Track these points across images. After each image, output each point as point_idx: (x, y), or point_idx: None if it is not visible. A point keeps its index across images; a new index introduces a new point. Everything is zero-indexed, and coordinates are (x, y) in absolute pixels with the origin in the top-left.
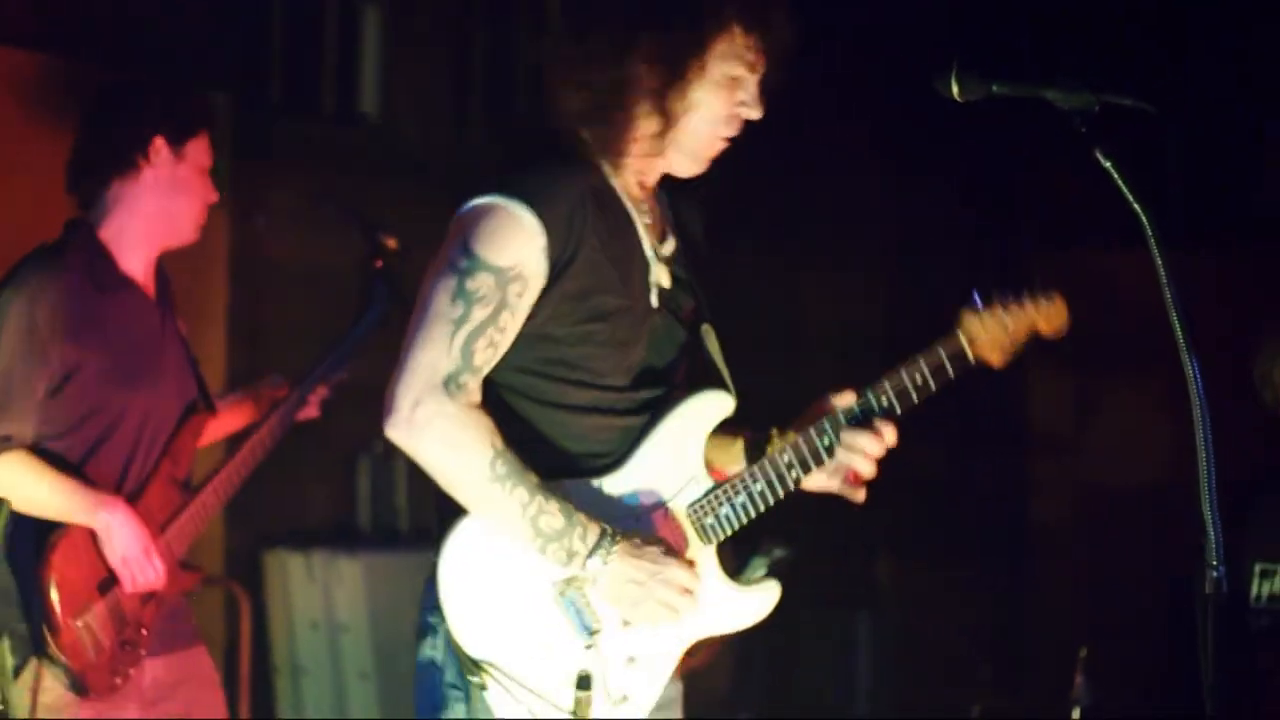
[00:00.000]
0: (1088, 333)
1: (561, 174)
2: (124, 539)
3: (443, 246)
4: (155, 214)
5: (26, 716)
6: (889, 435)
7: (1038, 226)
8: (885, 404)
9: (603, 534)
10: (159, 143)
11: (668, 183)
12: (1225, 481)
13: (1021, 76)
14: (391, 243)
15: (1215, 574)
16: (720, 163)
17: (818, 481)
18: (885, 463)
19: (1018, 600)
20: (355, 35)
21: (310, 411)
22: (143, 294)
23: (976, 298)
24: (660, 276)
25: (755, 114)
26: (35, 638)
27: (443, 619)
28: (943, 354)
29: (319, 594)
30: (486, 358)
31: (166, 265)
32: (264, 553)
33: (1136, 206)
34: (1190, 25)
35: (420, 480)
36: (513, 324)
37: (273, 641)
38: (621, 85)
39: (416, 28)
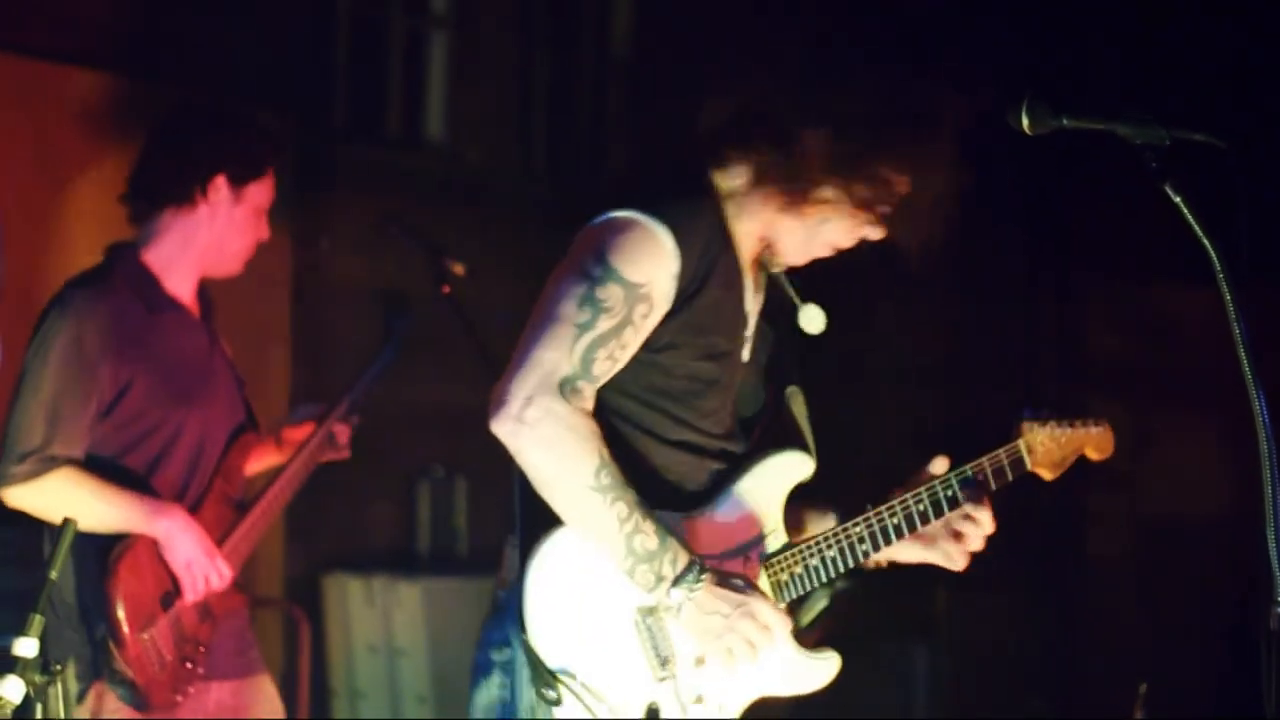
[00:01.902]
0: (1146, 366)
1: (700, 203)
2: (186, 543)
3: (573, 251)
4: (204, 249)
5: None
6: (983, 518)
7: (1096, 261)
8: (950, 493)
9: (692, 562)
10: (220, 181)
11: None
12: None
13: (1092, 110)
14: (458, 268)
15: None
16: None
17: (907, 554)
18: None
19: (1075, 633)
20: (421, 60)
21: (340, 454)
22: (189, 315)
23: (1030, 412)
24: (753, 333)
25: (875, 236)
26: (97, 658)
27: (510, 655)
28: (1005, 460)
29: (378, 618)
30: (605, 369)
31: (230, 288)
32: (323, 576)
33: (1205, 241)
34: (1260, 59)
35: (481, 505)
36: (634, 343)
37: (331, 665)
38: (788, 160)
39: (481, 53)
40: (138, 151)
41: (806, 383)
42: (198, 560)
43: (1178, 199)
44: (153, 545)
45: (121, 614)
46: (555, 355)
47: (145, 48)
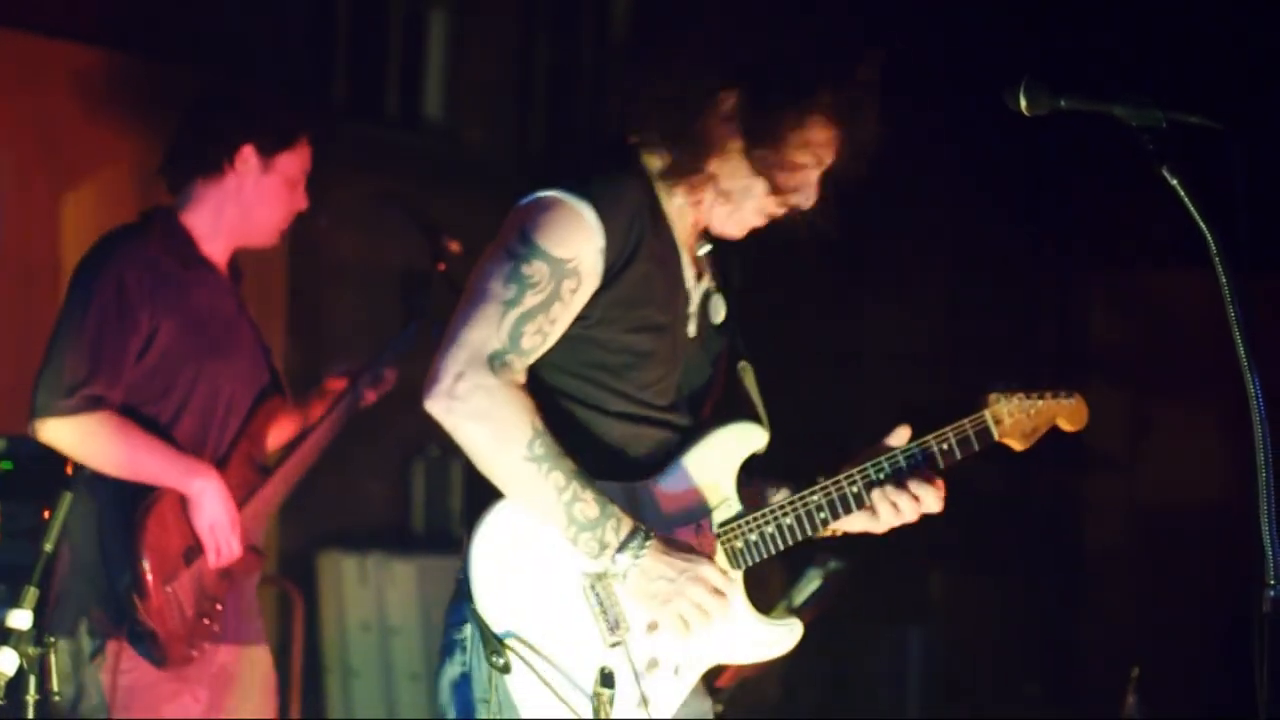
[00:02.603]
0: (1143, 353)
1: (625, 181)
2: (215, 507)
3: (500, 233)
4: (235, 216)
5: (104, 699)
6: (926, 496)
7: (1095, 247)
8: (912, 464)
9: (636, 529)
10: (247, 151)
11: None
12: None
13: (1090, 92)
14: (455, 246)
15: (1273, 593)
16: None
17: (855, 524)
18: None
19: (1070, 618)
20: (420, 40)
21: (366, 400)
22: (221, 277)
23: (998, 385)
24: (698, 309)
25: (806, 204)
26: (120, 610)
27: (467, 631)
28: (969, 430)
29: (372, 595)
30: (534, 343)
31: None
32: (318, 553)
33: (1202, 225)
34: (1259, 44)
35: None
36: (563, 318)
37: (324, 642)
38: (704, 130)
39: (481, 33)
40: (144, 130)
41: (757, 359)
42: (221, 524)
43: (1174, 182)
44: (178, 500)
45: (147, 565)
46: (484, 332)
47: (145, 26)
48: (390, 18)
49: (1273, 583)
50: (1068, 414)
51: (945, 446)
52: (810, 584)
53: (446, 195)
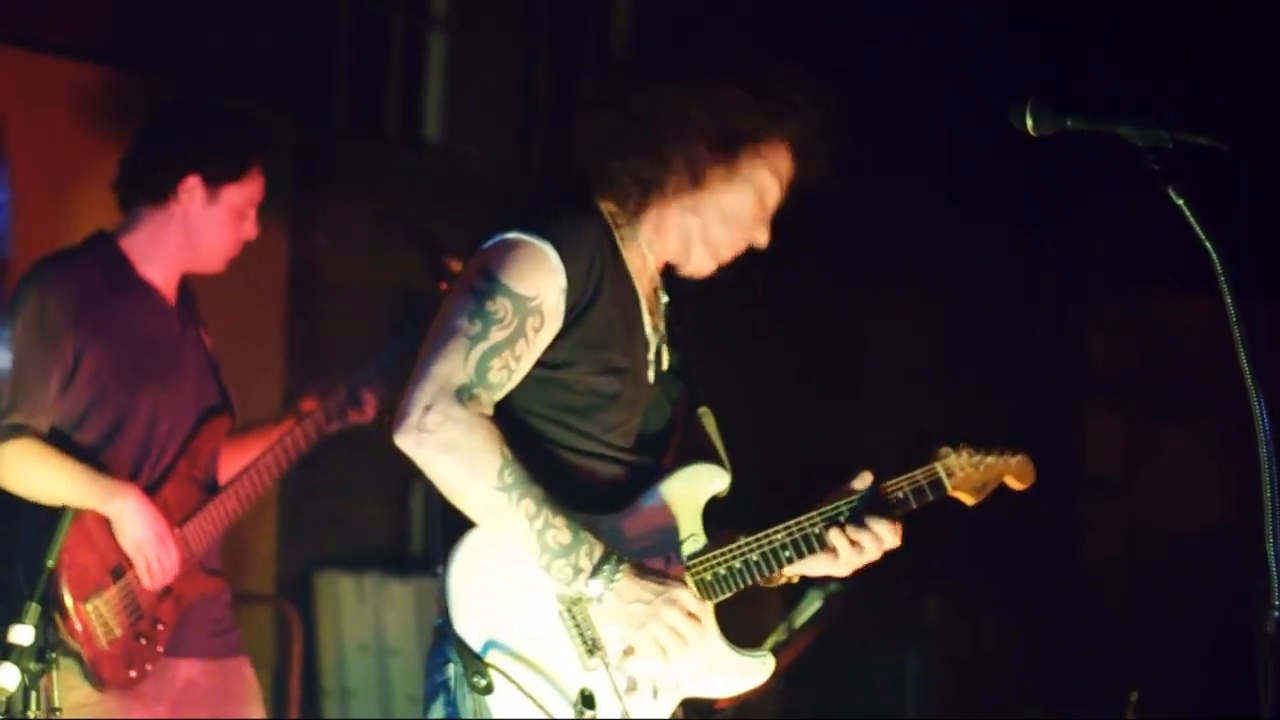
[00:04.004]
0: (1142, 375)
1: (586, 224)
2: (137, 526)
3: (463, 274)
4: (178, 244)
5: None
6: (885, 535)
7: (1096, 270)
8: (871, 508)
9: (608, 553)
10: (192, 181)
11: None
12: None
13: (1096, 112)
14: (456, 265)
15: (1277, 614)
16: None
17: (817, 567)
18: (936, 503)
19: (1068, 640)
20: (420, 59)
21: (345, 422)
22: (160, 299)
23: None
24: (656, 356)
25: (762, 241)
26: (46, 629)
27: (449, 671)
28: (923, 481)
29: (369, 616)
30: (500, 379)
31: (224, 283)
32: (315, 574)
33: (1208, 244)
34: (1266, 66)
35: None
36: (527, 356)
37: (321, 663)
38: (662, 163)
39: (481, 52)
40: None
41: (715, 403)
42: (147, 543)
43: (1180, 202)
44: (102, 519)
45: (63, 583)
46: (450, 366)
47: (146, 43)
48: (391, 36)
49: (1278, 603)
50: (1015, 471)
51: (900, 495)
52: (811, 605)
53: (446, 215)
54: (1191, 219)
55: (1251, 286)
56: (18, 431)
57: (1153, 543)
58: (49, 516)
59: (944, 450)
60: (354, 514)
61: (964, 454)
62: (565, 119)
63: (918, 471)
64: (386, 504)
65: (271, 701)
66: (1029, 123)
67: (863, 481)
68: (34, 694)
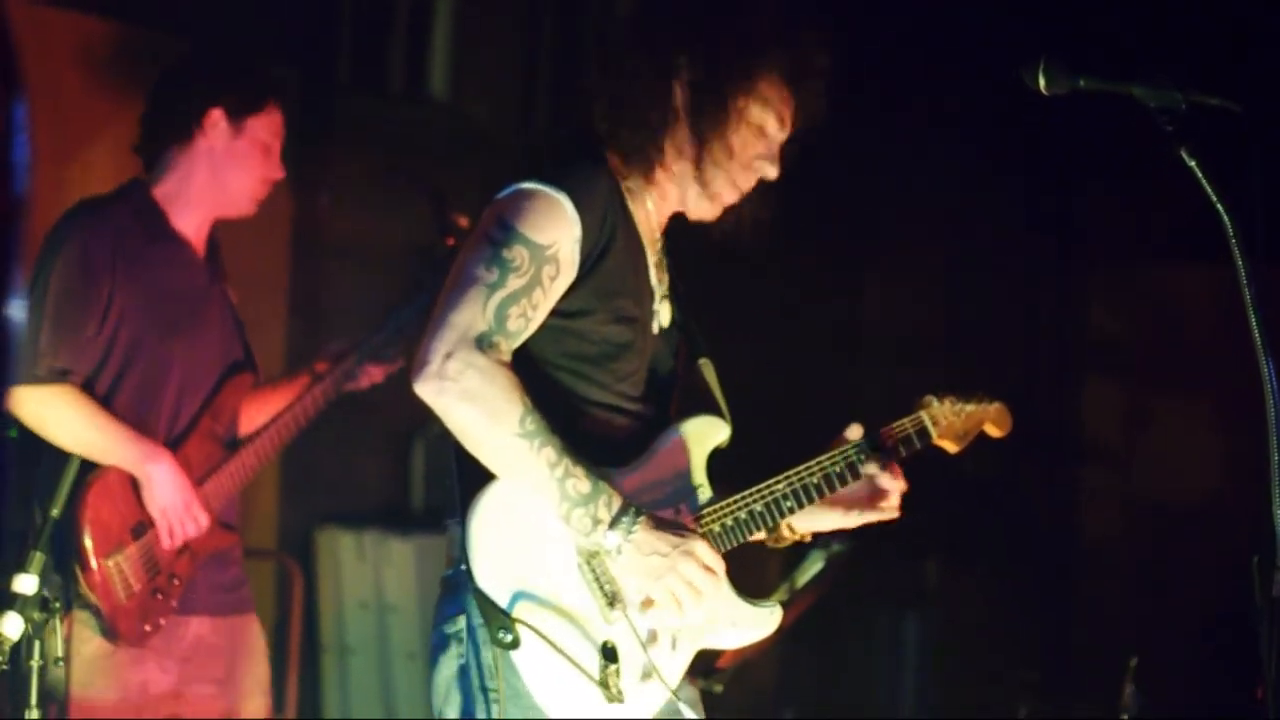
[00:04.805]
0: (1142, 346)
1: (598, 175)
2: (167, 491)
3: (479, 224)
4: (208, 183)
5: (65, 668)
6: (885, 481)
7: (1096, 239)
8: (864, 457)
9: (627, 505)
10: (216, 115)
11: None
12: None
13: (1108, 73)
14: (463, 220)
15: None
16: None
17: (828, 521)
18: (937, 467)
19: (1066, 606)
20: (425, 15)
21: (359, 384)
22: (191, 252)
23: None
24: (661, 309)
25: (771, 173)
26: (67, 583)
27: (462, 623)
28: (910, 430)
29: (369, 573)
30: (519, 326)
31: (228, 239)
32: (316, 530)
33: (1219, 206)
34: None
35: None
36: (544, 304)
37: (321, 619)
38: (663, 106)
39: (486, 9)
40: (143, 100)
41: (716, 354)
42: (174, 508)
43: (1192, 164)
44: (127, 476)
45: (88, 539)
46: (469, 314)
47: None
48: None
49: None
50: (994, 419)
51: (890, 444)
52: (813, 565)
53: (450, 172)
54: (1203, 180)
55: (1263, 252)
56: (62, 377)
57: (1151, 511)
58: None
59: (928, 399)
60: (355, 471)
61: (947, 403)
62: (570, 75)
63: (905, 420)
64: (388, 461)
65: (271, 657)
66: (1041, 82)
67: (854, 433)
68: (37, 643)
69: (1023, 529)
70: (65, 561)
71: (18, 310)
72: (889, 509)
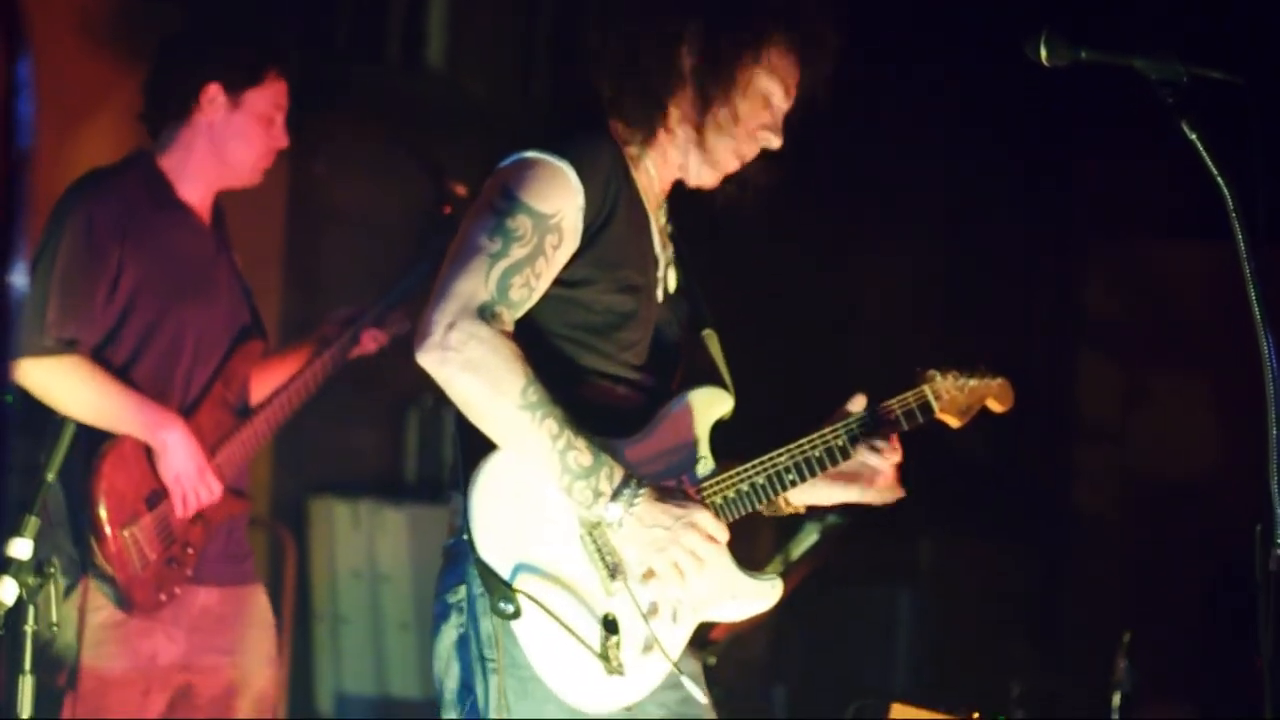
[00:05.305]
0: (1138, 322)
1: (600, 143)
2: (180, 459)
3: (483, 193)
4: (208, 157)
5: (76, 635)
6: (896, 453)
7: (1094, 216)
8: (867, 430)
9: (628, 477)
10: (213, 90)
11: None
12: None
13: (1110, 44)
14: (460, 189)
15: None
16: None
17: (828, 495)
18: (931, 443)
19: (1060, 582)
20: None
21: (367, 348)
22: (197, 220)
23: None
24: (665, 275)
25: (775, 143)
26: (83, 553)
27: (464, 593)
28: (913, 403)
29: (363, 543)
30: (521, 296)
31: (225, 207)
32: (310, 499)
33: (1220, 179)
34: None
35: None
36: (547, 274)
37: (314, 588)
38: (670, 72)
39: None
40: (144, 71)
41: (721, 326)
42: (187, 476)
43: (1193, 136)
44: (141, 445)
45: (103, 510)
46: (472, 283)
47: None
48: None
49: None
50: (996, 394)
51: (893, 418)
52: (807, 538)
53: (447, 143)
54: (1204, 153)
55: (1265, 230)
56: (70, 347)
57: (1145, 488)
58: (87, 436)
59: (931, 373)
60: (349, 440)
61: (950, 377)
62: (569, 44)
63: (908, 394)
64: (382, 430)
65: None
66: (1043, 53)
67: (857, 404)
68: (32, 608)
69: (1017, 505)
70: (80, 532)
71: (21, 278)
72: (889, 487)
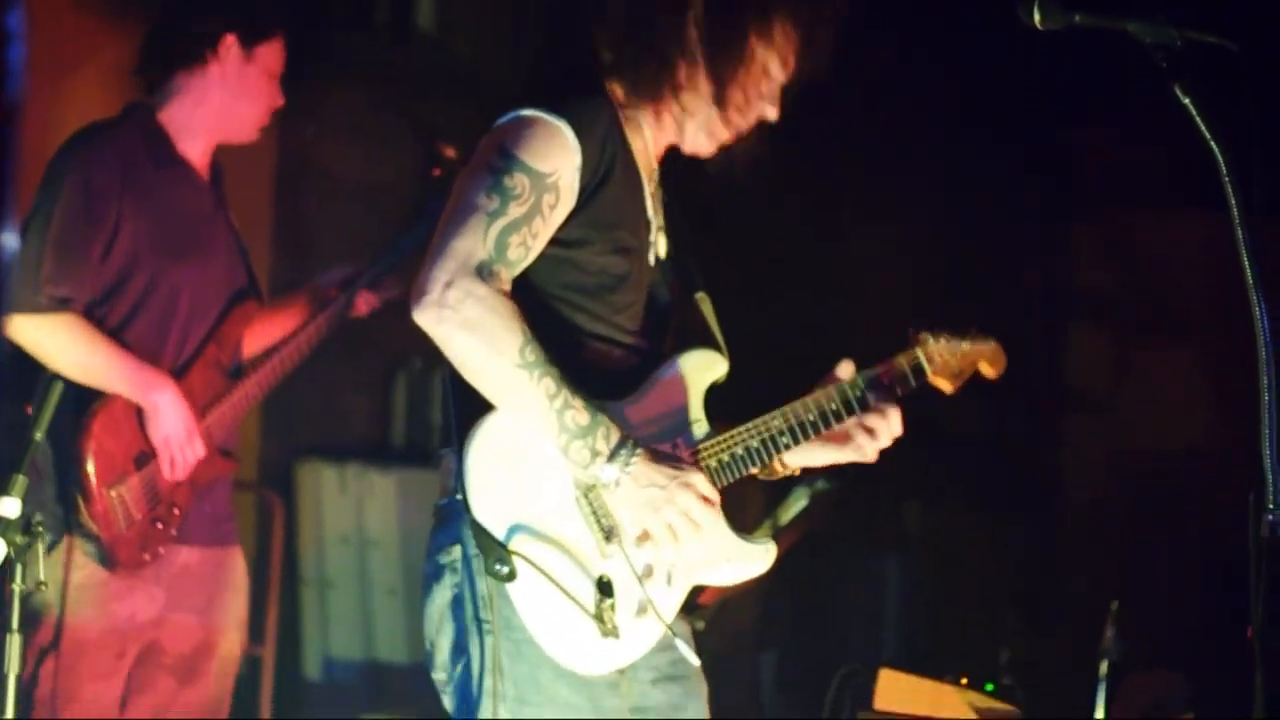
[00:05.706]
0: (1127, 295)
1: (596, 102)
2: (171, 420)
3: (479, 150)
4: (217, 109)
5: (59, 593)
6: (892, 416)
7: (1082, 187)
8: (863, 396)
9: (624, 438)
10: (230, 40)
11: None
12: None
13: (1103, 7)
14: (450, 151)
15: (1272, 517)
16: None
17: (821, 456)
18: (922, 411)
19: (1048, 550)
20: None
21: (359, 310)
22: (196, 177)
23: (923, 324)
24: (657, 240)
25: (772, 115)
26: (68, 512)
27: (457, 553)
28: (906, 367)
29: (351, 507)
30: (519, 255)
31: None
32: (297, 463)
33: (1214, 145)
34: None
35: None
36: (544, 233)
37: (301, 553)
38: (674, 39)
39: None
40: (137, 27)
41: (712, 289)
42: (175, 438)
43: (1187, 101)
44: (131, 405)
45: (91, 469)
46: (470, 242)
47: None
48: None
49: (1272, 507)
50: (988, 357)
51: (887, 381)
52: (797, 503)
53: (436, 108)
54: (1197, 118)
55: (1260, 202)
56: (63, 305)
57: (1136, 457)
58: (76, 395)
59: (923, 336)
60: (337, 404)
61: (942, 340)
62: (561, 6)
63: (900, 357)
64: (369, 394)
65: (251, 589)
66: (1036, 16)
67: (845, 370)
68: (19, 567)
69: (1007, 474)
70: (66, 490)
71: (10, 238)
72: (880, 443)
